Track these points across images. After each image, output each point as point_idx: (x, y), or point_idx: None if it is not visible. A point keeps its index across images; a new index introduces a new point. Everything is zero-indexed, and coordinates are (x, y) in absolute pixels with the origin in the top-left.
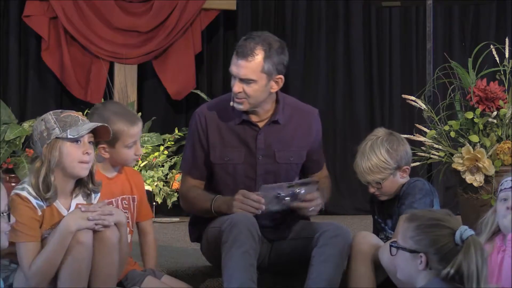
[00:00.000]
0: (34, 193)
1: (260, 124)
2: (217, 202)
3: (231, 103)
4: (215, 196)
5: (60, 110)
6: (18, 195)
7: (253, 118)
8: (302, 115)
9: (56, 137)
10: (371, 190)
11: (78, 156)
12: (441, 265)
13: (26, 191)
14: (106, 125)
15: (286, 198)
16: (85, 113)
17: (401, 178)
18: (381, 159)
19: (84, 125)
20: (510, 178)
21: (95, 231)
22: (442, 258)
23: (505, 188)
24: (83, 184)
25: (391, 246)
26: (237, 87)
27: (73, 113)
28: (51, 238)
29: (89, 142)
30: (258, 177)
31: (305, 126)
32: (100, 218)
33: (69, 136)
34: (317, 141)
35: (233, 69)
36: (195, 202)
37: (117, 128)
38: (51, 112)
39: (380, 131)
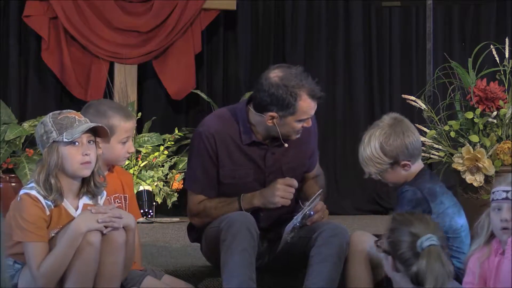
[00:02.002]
0: (42, 193)
1: (267, 142)
2: (245, 200)
3: (296, 137)
4: (238, 197)
5: (58, 112)
6: (28, 194)
7: (261, 138)
8: None
9: (54, 141)
10: (374, 177)
11: (77, 158)
12: (405, 270)
13: (35, 190)
14: (101, 125)
15: (298, 224)
16: None
17: (404, 171)
18: (374, 153)
19: (79, 127)
20: (502, 188)
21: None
22: (403, 263)
23: (497, 199)
24: (86, 184)
25: (375, 244)
26: (310, 121)
27: (70, 114)
28: (61, 239)
29: (89, 142)
30: None
31: (306, 133)
32: (110, 221)
33: (64, 140)
34: (315, 142)
35: (312, 112)
36: (217, 212)
37: (113, 122)
38: (50, 114)
39: (385, 120)
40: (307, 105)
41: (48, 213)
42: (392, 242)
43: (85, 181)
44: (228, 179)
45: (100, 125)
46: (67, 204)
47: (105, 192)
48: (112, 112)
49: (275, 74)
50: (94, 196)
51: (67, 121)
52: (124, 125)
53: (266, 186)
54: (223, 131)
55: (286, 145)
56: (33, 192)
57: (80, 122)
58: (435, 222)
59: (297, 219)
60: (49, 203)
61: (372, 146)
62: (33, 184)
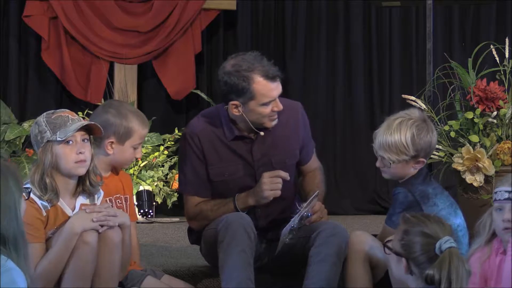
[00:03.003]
0: (38, 194)
1: (252, 135)
2: (239, 200)
3: (271, 123)
4: (232, 198)
5: (52, 111)
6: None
7: (245, 132)
8: (287, 113)
9: (48, 140)
10: (378, 164)
11: (72, 156)
12: (420, 273)
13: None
14: (93, 122)
15: (296, 226)
16: (85, 113)
17: (413, 169)
18: (403, 142)
19: (72, 125)
20: (504, 189)
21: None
22: (419, 266)
23: (499, 199)
24: (82, 183)
25: (384, 245)
26: (280, 104)
27: (64, 113)
28: (56, 239)
29: (83, 140)
30: None
31: (292, 124)
32: (105, 219)
33: (58, 139)
34: (306, 134)
35: (274, 93)
36: (213, 214)
37: (132, 126)
38: (44, 114)
39: (416, 113)
40: (263, 87)
41: (44, 213)
42: (405, 245)
43: (80, 180)
44: (218, 176)
45: (93, 122)
46: (63, 204)
47: (102, 192)
48: (133, 116)
49: (228, 63)
50: (90, 195)
51: (61, 120)
52: (141, 131)
53: (257, 180)
54: (207, 130)
55: (262, 133)
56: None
57: (74, 121)
58: (449, 224)
59: (294, 220)
60: (45, 203)
61: (403, 133)
62: (28, 186)
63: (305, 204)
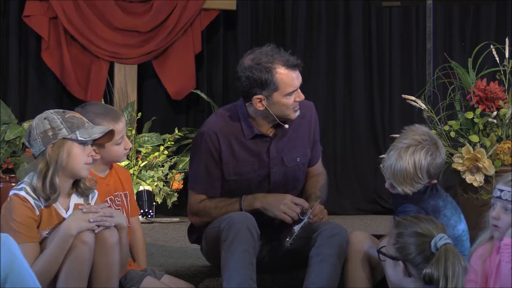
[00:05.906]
0: (32, 193)
1: (271, 133)
2: (246, 201)
3: (295, 115)
4: (239, 198)
5: (62, 110)
6: (17, 195)
7: (264, 130)
8: (302, 111)
9: (64, 138)
10: (388, 186)
11: (84, 158)
12: (418, 273)
13: (24, 191)
14: (113, 129)
15: (299, 230)
16: None
17: (422, 186)
18: (418, 174)
19: (94, 128)
20: (498, 187)
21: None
22: (417, 266)
23: (493, 196)
24: (77, 184)
25: (378, 252)
26: (302, 94)
27: (76, 114)
28: (52, 240)
29: (91, 144)
30: (272, 185)
31: (306, 123)
32: (101, 220)
33: (79, 138)
34: (316, 134)
35: (296, 82)
36: (216, 212)
37: None
38: (51, 111)
39: (424, 135)
40: (285, 76)
41: (37, 213)
42: (401, 247)
43: (75, 181)
44: (233, 176)
45: (112, 129)
46: (57, 204)
47: (96, 192)
48: (100, 119)
49: (246, 58)
50: (83, 195)
51: (77, 120)
52: (115, 128)
53: (271, 179)
54: (225, 129)
55: (286, 126)
56: (22, 193)
57: (89, 123)
58: (441, 222)
59: (297, 228)
60: (39, 203)
61: (417, 165)
62: (23, 185)
63: (307, 214)
